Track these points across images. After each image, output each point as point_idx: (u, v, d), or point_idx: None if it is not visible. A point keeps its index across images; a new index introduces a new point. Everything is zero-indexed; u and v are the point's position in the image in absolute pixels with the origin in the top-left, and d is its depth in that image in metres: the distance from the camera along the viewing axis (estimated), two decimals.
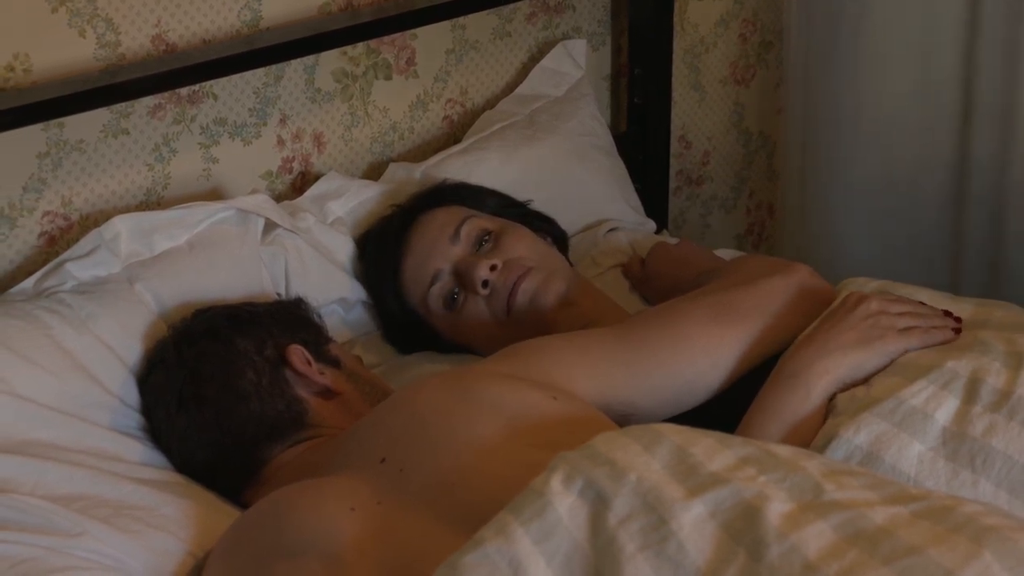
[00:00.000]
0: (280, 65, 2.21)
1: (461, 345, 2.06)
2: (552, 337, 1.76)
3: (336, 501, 1.49)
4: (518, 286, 1.97)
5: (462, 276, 2.00)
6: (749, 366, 1.74)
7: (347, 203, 2.19)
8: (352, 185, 2.22)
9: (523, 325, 1.96)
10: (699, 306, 1.76)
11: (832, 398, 1.64)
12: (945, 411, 1.59)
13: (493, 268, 1.98)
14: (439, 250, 2.03)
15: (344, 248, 2.15)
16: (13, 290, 1.90)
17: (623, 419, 1.65)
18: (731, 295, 1.77)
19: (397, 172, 2.30)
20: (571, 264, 2.16)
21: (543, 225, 2.16)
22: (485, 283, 1.97)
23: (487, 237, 2.04)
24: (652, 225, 2.56)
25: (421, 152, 2.43)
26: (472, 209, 2.09)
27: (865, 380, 1.66)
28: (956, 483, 1.52)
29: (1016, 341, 1.69)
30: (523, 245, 2.04)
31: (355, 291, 2.14)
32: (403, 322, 2.10)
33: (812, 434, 1.61)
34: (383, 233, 2.12)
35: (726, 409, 1.68)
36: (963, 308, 1.79)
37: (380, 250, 2.10)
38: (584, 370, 1.67)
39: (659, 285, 2.15)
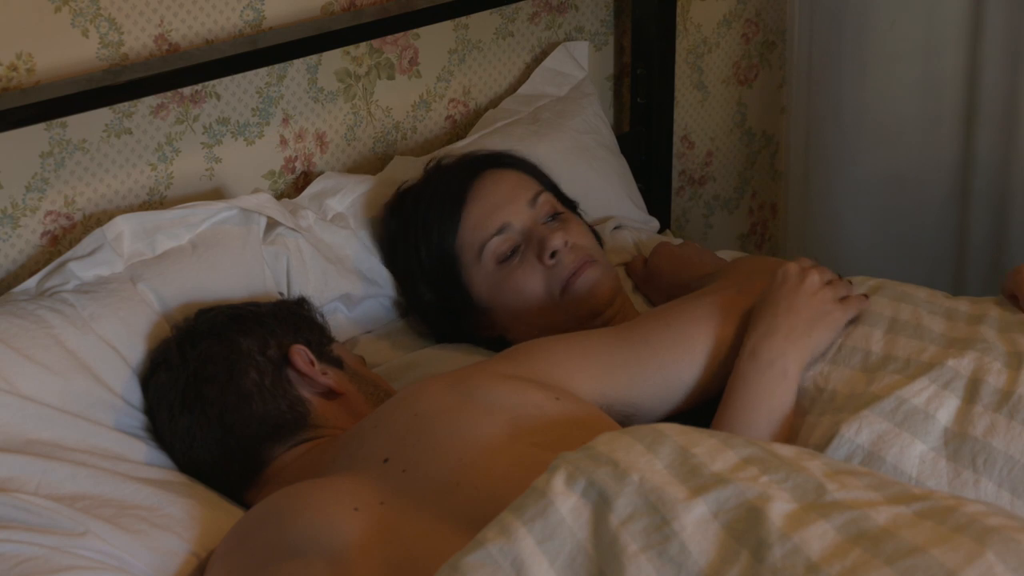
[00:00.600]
0: (283, 65, 2.21)
1: (484, 309, 2.04)
2: (554, 338, 1.76)
3: (339, 501, 1.49)
4: (583, 271, 1.98)
5: (533, 239, 2.00)
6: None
7: (345, 198, 2.19)
8: (348, 181, 2.22)
9: (567, 309, 1.98)
10: (700, 307, 1.76)
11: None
12: (946, 411, 1.59)
13: (566, 244, 1.99)
14: (515, 207, 2.02)
15: (348, 244, 2.14)
16: (16, 290, 1.90)
17: (625, 419, 1.65)
18: (732, 296, 1.77)
19: (400, 165, 2.31)
20: None
21: (590, 226, 2.17)
22: (554, 254, 1.98)
23: (557, 215, 2.05)
24: (656, 224, 2.56)
25: (424, 151, 2.42)
26: (542, 186, 2.10)
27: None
28: (958, 483, 1.53)
29: (1017, 341, 1.69)
30: (587, 237, 2.07)
31: (359, 287, 2.14)
32: (435, 268, 2.05)
33: (791, 417, 1.63)
34: (448, 174, 2.09)
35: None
36: (959, 307, 1.80)
37: (442, 187, 2.07)
38: (586, 371, 1.68)
39: (661, 285, 2.15)
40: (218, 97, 2.16)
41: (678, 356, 1.71)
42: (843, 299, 1.72)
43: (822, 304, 1.69)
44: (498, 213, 2.02)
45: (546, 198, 2.06)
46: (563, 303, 1.99)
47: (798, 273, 1.72)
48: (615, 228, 2.43)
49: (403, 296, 2.18)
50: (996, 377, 1.62)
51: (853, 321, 1.76)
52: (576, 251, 2.00)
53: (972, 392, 1.61)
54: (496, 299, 2.03)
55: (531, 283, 2.00)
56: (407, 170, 2.27)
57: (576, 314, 1.97)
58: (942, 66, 2.67)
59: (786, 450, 1.35)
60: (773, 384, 1.64)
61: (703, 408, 1.71)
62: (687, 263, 2.13)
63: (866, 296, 1.74)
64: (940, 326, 1.75)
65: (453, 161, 2.14)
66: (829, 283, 1.73)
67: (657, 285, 2.17)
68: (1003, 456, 1.53)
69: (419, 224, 2.07)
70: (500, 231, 2.01)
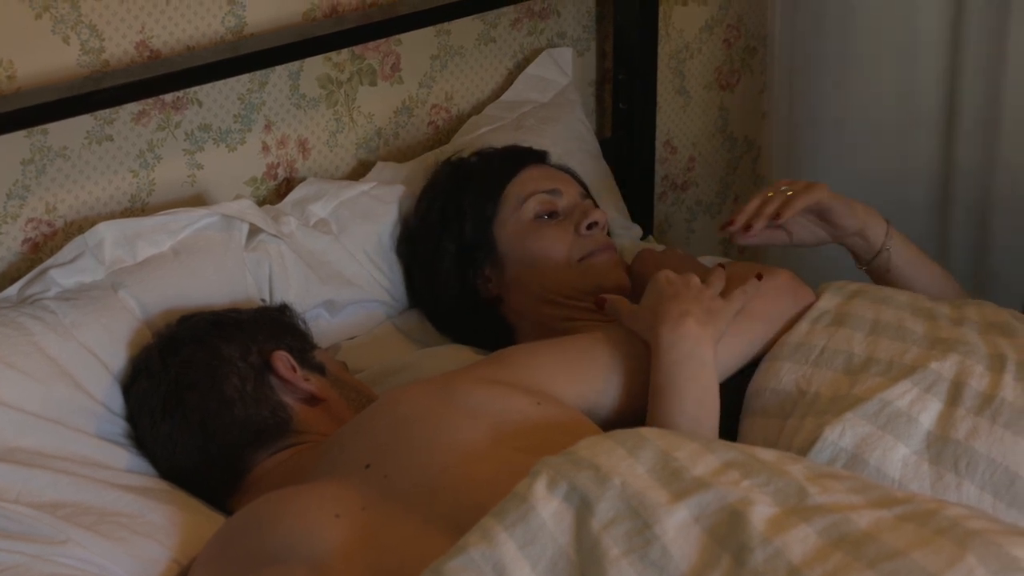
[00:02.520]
0: (265, 71, 2.21)
1: (499, 261, 2.09)
2: (537, 344, 1.77)
3: (321, 507, 1.49)
4: (606, 251, 2.09)
5: (576, 211, 2.11)
6: (734, 368, 1.76)
7: (328, 204, 2.19)
8: (331, 187, 2.22)
9: (577, 277, 2.05)
10: None
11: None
12: (929, 414, 1.60)
13: (605, 223, 2.13)
14: (569, 187, 2.15)
15: (330, 249, 2.15)
16: None
17: (607, 423, 1.66)
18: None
19: (382, 171, 2.31)
20: None
21: None
22: (591, 226, 2.08)
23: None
24: (638, 230, 2.57)
25: (406, 158, 2.42)
26: None
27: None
28: (940, 486, 1.53)
29: (999, 343, 1.70)
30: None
31: (342, 293, 2.14)
32: (473, 209, 2.11)
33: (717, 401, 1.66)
34: (512, 149, 2.23)
35: None
36: (940, 308, 1.81)
37: (506, 150, 2.21)
38: (568, 375, 1.68)
39: (644, 291, 2.16)
40: (200, 104, 2.16)
41: None
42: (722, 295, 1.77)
43: (713, 300, 1.74)
44: (555, 181, 2.14)
45: (592, 203, 2.17)
46: (578, 269, 2.05)
47: (679, 276, 1.78)
48: None
49: (418, 264, 2.19)
50: (978, 380, 1.63)
51: (835, 323, 1.76)
52: (607, 235, 2.13)
53: (955, 395, 1.62)
54: (517, 250, 2.09)
55: (558, 242, 2.07)
56: (389, 176, 2.27)
57: (583, 286, 2.03)
58: (922, 72, 2.68)
59: (767, 454, 1.35)
60: (697, 371, 1.66)
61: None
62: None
63: (760, 276, 1.82)
64: (922, 327, 1.75)
65: (513, 146, 2.27)
66: (707, 283, 1.79)
67: (640, 292, 2.18)
68: (985, 459, 1.54)
69: (471, 176, 2.15)
70: (551, 192, 2.11)
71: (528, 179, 2.13)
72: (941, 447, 1.56)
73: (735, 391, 1.75)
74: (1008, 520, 1.44)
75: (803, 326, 1.78)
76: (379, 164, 2.33)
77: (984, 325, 1.77)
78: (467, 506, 1.39)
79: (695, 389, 1.64)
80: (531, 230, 2.09)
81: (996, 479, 1.52)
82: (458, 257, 2.12)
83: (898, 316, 1.78)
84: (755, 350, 1.79)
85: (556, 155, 2.43)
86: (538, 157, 2.20)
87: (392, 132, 2.43)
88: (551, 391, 1.65)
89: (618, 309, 1.80)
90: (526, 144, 2.28)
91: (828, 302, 1.82)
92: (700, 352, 1.66)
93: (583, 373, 1.70)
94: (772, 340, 1.79)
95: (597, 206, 2.17)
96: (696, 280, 1.77)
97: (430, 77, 2.47)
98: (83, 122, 2.02)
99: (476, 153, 2.23)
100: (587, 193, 2.20)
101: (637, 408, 1.68)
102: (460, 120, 2.53)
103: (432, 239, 2.15)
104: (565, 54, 2.64)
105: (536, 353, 1.73)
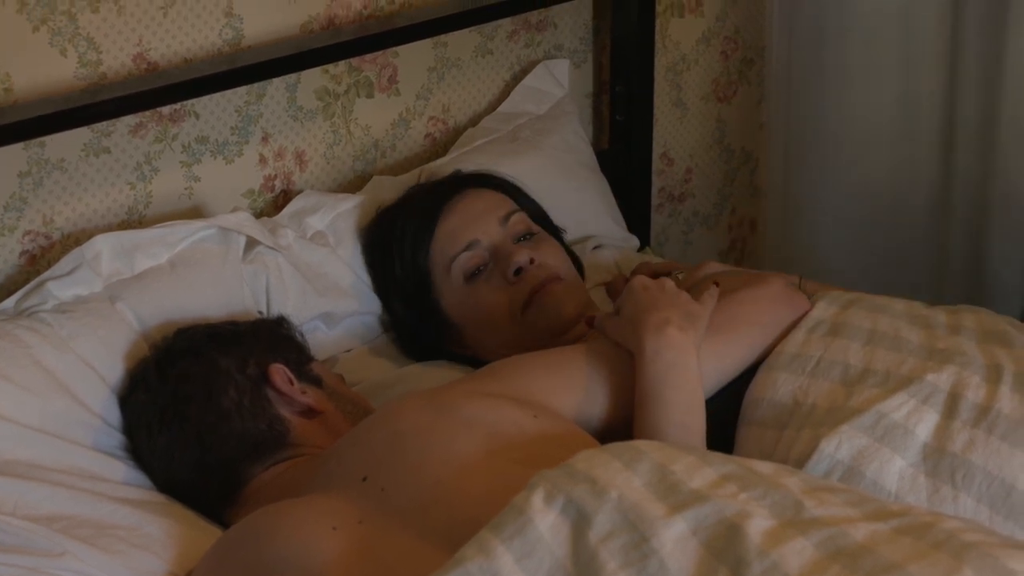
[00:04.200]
0: (262, 83, 2.21)
1: (453, 325, 2.06)
2: (531, 355, 1.77)
3: (318, 521, 1.49)
4: (547, 288, 1.99)
5: (499, 255, 2.03)
6: (730, 376, 1.76)
7: (325, 216, 2.19)
8: (328, 200, 2.22)
9: (530, 327, 1.99)
10: None
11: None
12: (926, 426, 1.60)
13: (532, 261, 2.01)
14: (485, 224, 2.05)
15: (327, 262, 2.14)
16: None
17: (599, 433, 1.66)
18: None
19: (379, 185, 2.31)
20: None
21: (568, 248, 2.19)
22: (518, 271, 2.00)
23: (529, 236, 2.07)
24: (636, 241, 2.57)
25: (403, 170, 2.42)
26: (518, 206, 2.12)
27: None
28: (937, 499, 1.53)
29: (996, 354, 1.70)
30: (558, 256, 2.08)
31: (339, 305, 2.14)
32: (408, 281, 2.07)
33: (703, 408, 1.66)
34: (427, 192, 2.13)
35: (708, 418, 1.68)
36: (937, 316, 1.81)
37: (420, 203, 2.10)
38: (563, 387, 1.69)
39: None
40: (197, 116, 2.16)
41: None
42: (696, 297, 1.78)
43: (688, 303, 1.74)
44: (468, 230, 2.04)
45: (519, 218, 2.08)
46: (524, 320, 2.00)
47: (654, 282, 1.78)
48: (595, 247, 2.43)
49: (386, 312, 2.19)
50: (975, 392, 1.63)
51: (831, 333, 1.76)
52: (542, 268, 2.02)
53: (951, 407, 1.62)
54: (464, 315, 2.05)
55: (494, 300, 2.02)
56: (386, 189, 2.27)
57: (538, 332, 1.98)
58: (920, 82, 2.69)
59: (764, 467, 1.35)
60: (682, 379, 1.66)
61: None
62: None
63: (717, 284, 1.82)
64: (918, 337, 1.75)
65: (433, 181, 2.17)
66: (681, 288, 1.79)
67: None
68: (981, 471, 1.54)
69: (395, 238, 2.09)
70: (468, 247, 2.03)
71: (444, 239, 2.04)
72: (938, 459, 1.56)
73: (733, 395, 1.75)
74: (1004, 532, 1.45)
75: (799, 336, 1.78)
76: (375, 178, 2.33)
77: (981, 334, 1.77)
78: (461, 520, 1.39)
79: (682, 397, 1.64)
80: (467, 294, 2.04)
81: (992, 491, 1.52)
82: (417, 322, 2.11)
83: (894, 325, 1.78)
84: (754, 356, 1.79)
85: (552, 167, 2.43)
86: (450, 192, 2.10)
87: (389, 144, 2.44)
88: (546, 403, 1.65)
89: (603, 324, 1.80)
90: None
91: (824, 311, 1.82)
92: (683, 359, 1.66)
93: (574, 384, 1.70)
94: (770, 347, 1.79)
95: (517, 209, 2.09)
96: (671, 284, 1.77)
97: (427, 89, 2.47)
98: (80, 135, 2.02)
99: (396, 204, 2.16)
100: (509, 206, 2.09)
101: (628, 418, 1.68)
102: (457, 132, 2.53)
103: (387, 298, 2.15)
104: (561, 66, 2.64)
105: (532, 365, 1.74)
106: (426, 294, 2.06)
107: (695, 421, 1.64)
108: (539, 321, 1.99)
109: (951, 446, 1.57)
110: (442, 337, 2.09)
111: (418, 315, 2.09)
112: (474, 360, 2.05)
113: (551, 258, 2.05)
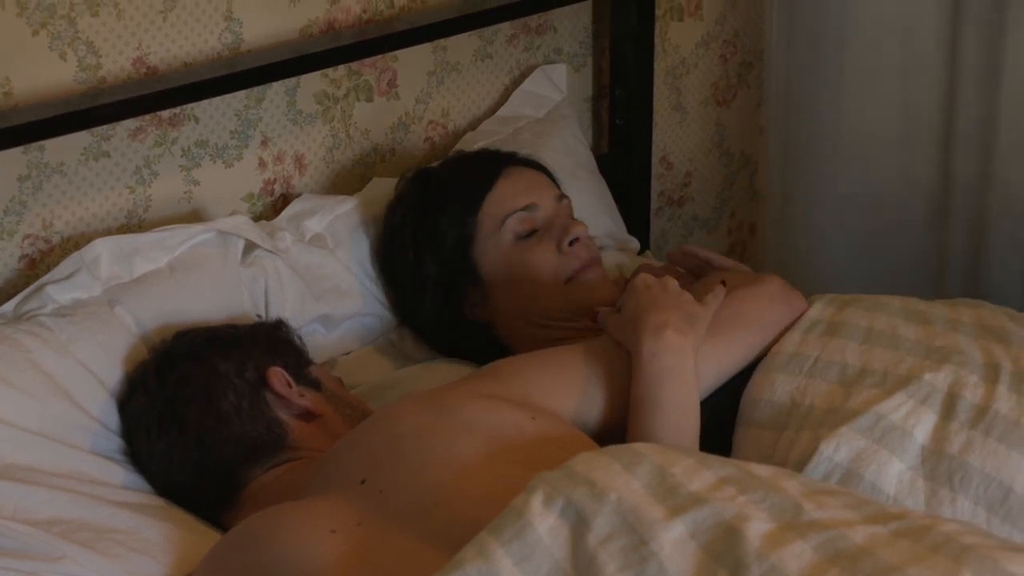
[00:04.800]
0: (261, 87, 2.21)
1: (483, 284, 2.06)
2: (529, 356, 1.77)
3: (317, 523, 1.49)
4: (593, 267, 2.06)
5: (555, 224, 2.06)
6: (728, 376, 1.77)
7: (324, 219, 2.19)
8: (326, 202, 2.22)
9: (567, 298, 2.02)
10: None
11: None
12: (924, 427, 1.60)
13: (587, 236, 2.08)
14: (545, 194, 2.10)
15: (326, 264, 2.14)
16: None
17: (600, 435, 1.66)
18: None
19: (377, 186, 2.31)
20: None
21: None
22: (573, 242, 2.04)
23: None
24: (636, 244, 2.57)
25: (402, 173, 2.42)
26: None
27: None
28: (935, 501, 1.53)
29: (993, 351, 1.70)
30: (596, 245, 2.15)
31: (338, 308, 2.14)
32: (449, 233, 2.07)
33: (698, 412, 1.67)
34: (476, 157, 2.19)
35: (705, 418, 1.68)
36: (934, 311, 1.81)
37: (473, 165, 2.15)
38: (562, 389, 1.69)
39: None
40: (196, 120, 2.16)
41: None
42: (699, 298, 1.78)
43: (690, 305, 1.74)
44: (528, 193, 2.09)
45: (568, 203, 2.14)
46: (566, 290, 2.03)
47: (657, 281, 1.78)
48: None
49: (399, 285, 2.17)
50: (972, 392, 1.63)
51: (828, 333, 1.76)
52: (591, 248, 2.09)
53: (949, 407, 1.62)
54: (502, 275, 2.07)
55: (543, 263, 2.04)
56: (385, 191, 2.27)
57: (572, 306, 2.01)
58: (920, 86, 2.69)
59: (763, 470, 1.35)
60: (678, 383, 1.66)
61: None
62: None
63: (724, 283, 1.82)
64: (916, 334, 1.75)
65: (480, 151, 2.23)
66: (683, 286, 1.80)
67: None
68: (979, 474, 1.54)
69: (443, 193, 2.10)
70: (527, 208, 2.07)
71: (502, 196, 2.08)
72: (936, 462, 1.57)
73: (730, 395, 1.76)
74: (1002, 535, 1.45)
75: (796, 336, 1.78)
76: (374, 180, 2.33)
77: (979, 329, 1.77)
78: (462, 522, 1.39)
79: (677, 400, 1.65)
80: (513, 254, 2.06)
81: (990, 494, 1.52)
82: (439, 282, 2.10)
83: (891, 323, 1.78)
84: (752, 356, 1.80)
85: (552, 168, 2.43)
86: (507, 160, 2.16)
87: (388, 148, 2.44)
88: (544, 404, 1.65)
89: (606, 322, 1.80)
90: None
91: (820, 312, 1.82)
92: (680, 363, 1.67)
93: (573, 386, 1.70)
94: (768, 347, 1.79)
95: (566, 196, 2.14)
96: (674, 283, 1.77)
97: (426, 93, 2.47)
98: (80, 138, 2.02)
99: (444, 164, 2.20)
100: (559, 191, 2.15)
101: (625, 419, 1.69)
102: (456, 136, 2.53)
103: (408, 262, 2.12)
104: (559, 70, 2.65)
105: (527, 366, 1.74)
106: (465, 248, 2.07)
107: (689, 424, 1.65)
108: (578, 295, 2.02)
109: (949, 448, 1.57)
110: (465, 299, 2.09)
111: (450, 274, 2.09)
112: (482, 345, 2.06)
113: (592, 244, 2.12)
